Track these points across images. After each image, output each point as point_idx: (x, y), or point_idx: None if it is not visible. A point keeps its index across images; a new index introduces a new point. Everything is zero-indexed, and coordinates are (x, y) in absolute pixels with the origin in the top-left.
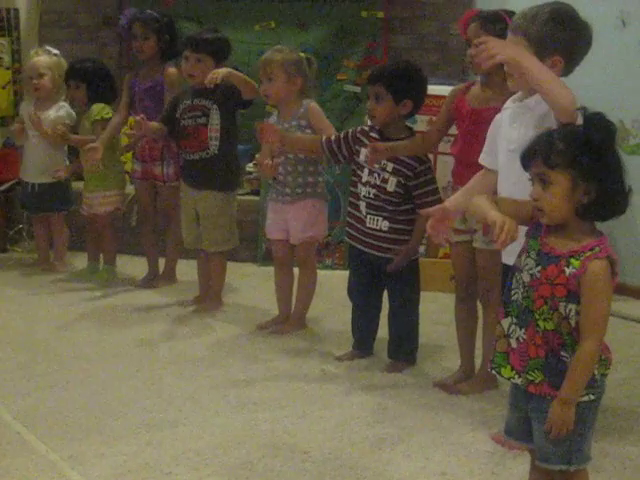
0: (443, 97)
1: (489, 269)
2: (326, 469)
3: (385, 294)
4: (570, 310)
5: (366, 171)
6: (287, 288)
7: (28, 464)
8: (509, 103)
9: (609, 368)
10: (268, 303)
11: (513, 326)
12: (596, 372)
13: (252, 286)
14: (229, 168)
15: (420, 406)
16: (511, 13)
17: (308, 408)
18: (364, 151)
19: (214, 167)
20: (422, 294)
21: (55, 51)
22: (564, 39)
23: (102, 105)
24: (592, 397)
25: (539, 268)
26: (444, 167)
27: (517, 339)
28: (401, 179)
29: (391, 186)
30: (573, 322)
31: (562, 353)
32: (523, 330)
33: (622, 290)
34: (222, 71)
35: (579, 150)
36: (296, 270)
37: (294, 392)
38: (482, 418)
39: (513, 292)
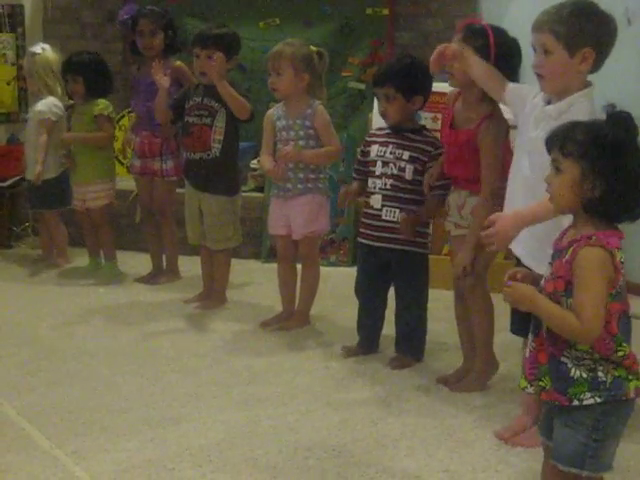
0: (447, 94)
1: (476, 263)
2: (329, 466)
3: (391, 291)
4: (571, 305)
5: (379, 163)
6: (290, 284)
7: (32, 460)
8: (539, 99)
9: (634, 374)
10: (272, 300)
11: (530, 335)
12: (602, 374)
13: (256, 283)
14: (229, 173)
15: (423, 403)
16: (499, 31)
17: (312, 405)
18: (374, 147)
19: (214, 170)
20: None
21: (37, 50)
22: (591, 31)
23: (107, 102)
24: (598, 400)
25: (550, 269)
26: None
27: (529, 348)
28: (417, 166)
29: (409, 174)
30: None
31: (563, 357)
32: (532, 337)
33: (627, 288)
34: (219, 80)
35: (593, 143)
36: (299, 266)
37: (298, 389)
38: (485, 415)
39: None
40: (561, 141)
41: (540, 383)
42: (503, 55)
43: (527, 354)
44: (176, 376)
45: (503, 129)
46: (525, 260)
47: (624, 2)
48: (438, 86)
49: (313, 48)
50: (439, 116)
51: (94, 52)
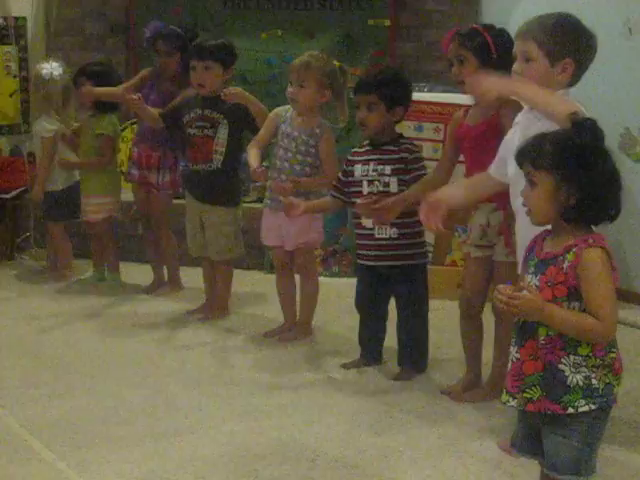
0: (449, 105)
1: (504, 281)
2: (333, 477)
3: (392, 302)
4: (574, 309)
5: (364, 183)
6: (290, 295)
7: (35, 472)
8: (520, 116)
9: (617, 380)
10: (275, 311)
11: (513, 347)
12: (595, 381)
13: (258, 294)
14: (230, 184)
15: (427, 414)
16: (490, 27)
17: (315, 415)
18: (358, 167)
19: (216, 182)
20: (429, 302)
21: (46, 75)
22: (573, 43)
23: (111, 120)
24: (592, 407)
25: (538, 276)
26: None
27: (511, 360)
28: (400, 176)
29: (394, 187)
30: None
31: (561, 364)
32: (516, 348)
33: (628, 297)
34: (240, 93)
35: (563, 153)
36: (298, 277)
37: (301, 399)
38: (489, 426)
39: None
40: (531, 155)
41: (525, 395)
42: (502, 46)
43: (509, 367)
44: (179, 387)
45: None
46: None
47: (626, 12)
48: (440, 97)
49: (336, 63)
50: (441, 127)
51: (107, 64)
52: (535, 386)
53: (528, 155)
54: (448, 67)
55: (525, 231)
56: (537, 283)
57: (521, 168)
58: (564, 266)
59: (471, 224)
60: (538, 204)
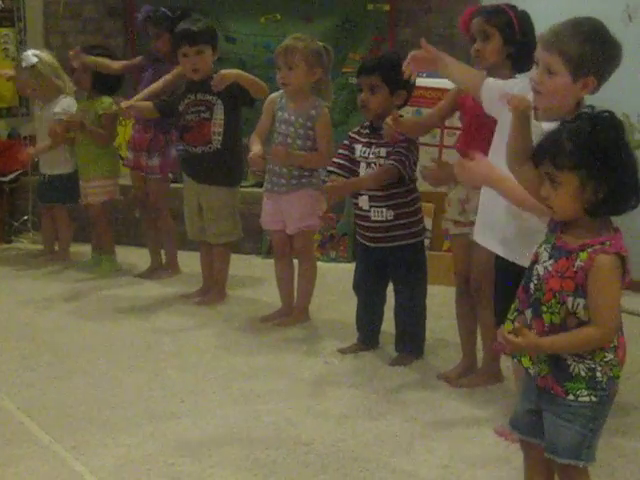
0: (447, 91)
1: (483, 264)
2: (329, 461)
3: (390, 287)
4: (578, 305)
5: (363, 165)
6: (288, 279)
7: (31, 454)
8: (523, 91)
9: (618, 372)
10: (272, 295)
11: (531, 315)
12: (599, 374)
13: (256, 278)
14: (232, 163)
15: (423, 399)
16: (513, 7)
17: (311, 400)
18: (358, 147)
19: (217, 162)
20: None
21: (33, 60)
22: (600, 61)
23: (111, 100)
24: (593, 399)
25: (551, 261)
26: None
27: (533, 329)
28: (395, 157)
29: None
30: (581, 316)
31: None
32: (534, 322)
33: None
34: (231, 74)
35: (586, 151)
36: (296, 262)
37: (297, 384)
38: (485, 411)
39: (530, 282)
40: (551, 154)
41: (538, 368)
42: (525, 27)
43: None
44: (176, 371)
45: None
46: (509, 257)
47: None
48: (439, 82)
49: (320, 43)
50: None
51: (106, 47)
52: (544, 362)
53: (547, 154)
54: (470, 43)
55: (487, 207)
56: (549, 268)
57: (539, 167)
58: (576, 264)
59: (450, 198)
60: (563, 203)
